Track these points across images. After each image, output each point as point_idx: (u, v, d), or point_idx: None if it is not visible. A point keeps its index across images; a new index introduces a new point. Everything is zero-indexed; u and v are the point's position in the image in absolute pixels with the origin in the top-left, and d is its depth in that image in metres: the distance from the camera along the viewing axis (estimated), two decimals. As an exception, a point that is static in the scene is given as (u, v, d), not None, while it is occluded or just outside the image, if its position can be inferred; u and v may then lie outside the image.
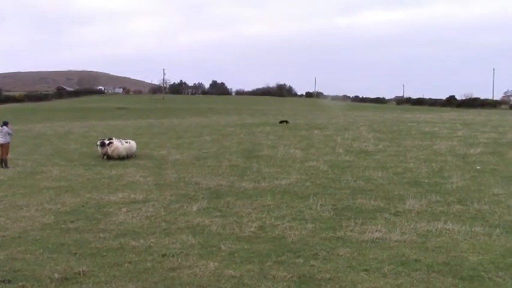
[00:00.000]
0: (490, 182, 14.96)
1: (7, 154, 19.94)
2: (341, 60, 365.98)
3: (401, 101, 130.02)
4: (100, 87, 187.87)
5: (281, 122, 40.36)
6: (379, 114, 58.37)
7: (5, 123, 20.35)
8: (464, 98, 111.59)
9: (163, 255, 8.64)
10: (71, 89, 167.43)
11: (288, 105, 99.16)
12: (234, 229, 10.27)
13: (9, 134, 20.22)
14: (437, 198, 12.79)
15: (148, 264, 8.25)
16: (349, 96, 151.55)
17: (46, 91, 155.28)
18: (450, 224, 10.23)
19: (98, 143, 22.16)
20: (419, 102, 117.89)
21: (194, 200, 13.07)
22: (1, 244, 9.51)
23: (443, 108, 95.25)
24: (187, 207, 12.24)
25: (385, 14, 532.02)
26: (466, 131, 30.96)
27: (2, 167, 19.35)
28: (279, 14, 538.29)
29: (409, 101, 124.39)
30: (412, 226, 10.24)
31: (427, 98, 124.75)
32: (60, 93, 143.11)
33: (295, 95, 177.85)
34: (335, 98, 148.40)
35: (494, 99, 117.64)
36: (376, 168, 17.67)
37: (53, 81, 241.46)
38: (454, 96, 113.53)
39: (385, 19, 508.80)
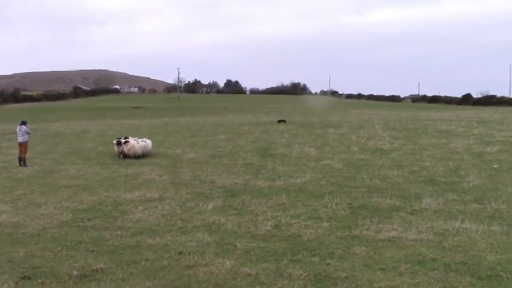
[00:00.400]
0: (508, 180, 14.80)
1: (25, 153, 20.21)
2: (356, 59, 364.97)
3: (416, 99, 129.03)
4: (116, 86, 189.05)
5: (279, 121, 39.75)
6: (394, 113, 57.99)
7: (23, 123, 20.64)
8: (480, 96, 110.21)
9: (179, 253, 8.70)
10: (87, 88, 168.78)
11: (302, 103, 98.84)
12: (249, 227, 10.29)
13: (27, 133, 20.49)
14: (454, 197, 12.70)
15: (165, 262, 8.30)
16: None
17: (63, 90, 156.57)
18: (467, 223, 10.14)
19: (114, 141, 22.36)
20: (435, 100, 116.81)
21: (210, 198, 13.13)
22: (21, 241, 9.66)
23: (459, 106, 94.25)
24: (202, 205, 12.30)
25: (399, 12, 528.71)
26: (482, 129, 30.64)
27: (21, 165, 19.62)
28: (293, 12, 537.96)
29: (425, 99, 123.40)
30: (428, 225, 10.17)
31: (443, 95, 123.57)
32: (77, 93, 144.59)
33: (310, 93, 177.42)
34: (349, 96, 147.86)
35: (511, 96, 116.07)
36: (391, 166, 17.57)
37: (70, 80, 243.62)
38: (470, 94, 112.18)
39: (399, 16, 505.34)
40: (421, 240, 9.18)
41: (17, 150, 20.69)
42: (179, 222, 10.88)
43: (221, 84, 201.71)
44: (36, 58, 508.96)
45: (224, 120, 46.84)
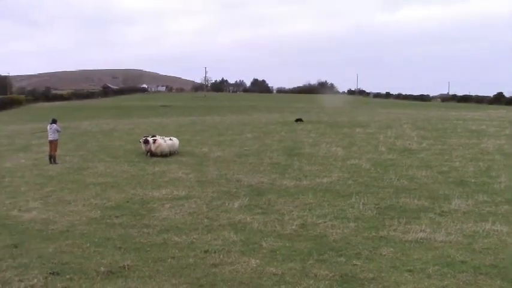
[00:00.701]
0: (541, 182, 14.40)
1: (55, 151, 20.58)
2: (384, 58, 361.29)
3: (446, 99, 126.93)
4: (144, 85, 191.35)
5: (297, 120, 39.01)
6: (423, 112, 57.12)
7: (54, 121, 21.01)
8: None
9: (205, 252, 8.73)
10: (116, 87, 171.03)
11: (323, 103, 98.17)
12: (275, 227, 10.27)
13: (57, 131, 20.87)
14: (485, 198, 12.42)
15: (191, 260, 8.35)
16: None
17: (92, 89, 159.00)
18: (498, 225, 9.93)
19: (142, 140, 22.60)
20: (465, 99, 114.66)
21: (236, 197, 13.14)
22: (50, 237, 9.84)
23: (491, 105, 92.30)
24: (228, 204, 12.32)
25: (427, 10, 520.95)
26: (515, 129, 29.93)
27: (51, 163, 20.00)
28: (321, 10, 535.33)
29: (455, 99, 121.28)
30: (458, 226, 9.98)
31: (474, 95, 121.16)
32: (106, 92, 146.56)
33: (337, 92, 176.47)
34: (377, 95, 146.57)
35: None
36: (420, 167, 17.31)
37: (99, 79, 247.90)
38: (502, 93, 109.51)
39: (428, 15, 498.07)
40: (450, 242, 9.02)
41: (47, 148, 21.08)
42: (205, 220, 10.92)
43: (248, 83, 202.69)
44: (66, 57, 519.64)
45: (251, 119, 46.84)
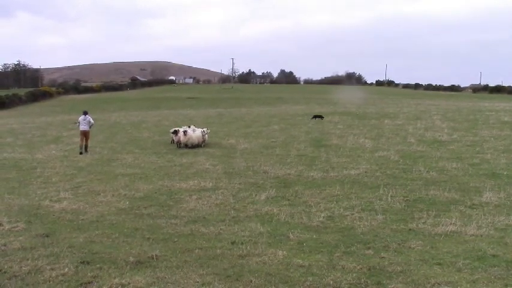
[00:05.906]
0: None
1: (88, 140, 21.15)
2: (414, 48, 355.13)
3: (477, 89, 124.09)
4: (171, 77, 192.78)
5: (314, 116, 34.86)
6: (453, 103, 56.07)
7: (85, 113, 21.58)
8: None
9: (232, 243, 8.76)
10: (144, 79, 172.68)
11: (356, 94, 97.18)
12: (302, 218, 10.23)
13: (90, 122, 21.48)
14: (518, 191, 12.12)
15: (218, 251, 8.38)
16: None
17: (121, 81, 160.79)
18: (531, 219, 9.68)
19: (171, 131, 22.92)
20: (498, 90, 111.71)
21: (262, 188, 13.14)
22: (81, 227, 10.02)
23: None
24: (255, 195, 12.33)
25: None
26: (549, 121, 29.12)
27: (81, 153, 20.43)
28: (347, 1, 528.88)
29: (487, 89, 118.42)
30: (489, 220, 9.77)
31: (507, 85, 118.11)
32: (134, 84, 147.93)
33: (365, 83, 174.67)
34: (406, 86, 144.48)
35: None
36: (450, 158, 17.00)
37: (128, 72, 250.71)
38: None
39: (460, 3, 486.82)
40: (481, 236, 8.83)
41: (77, 140, 21.51)
42: (232, 211, 10.96)
43: (275, 74, 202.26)
44: (95, 51, 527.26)
45: (278, 110, 46.72)
